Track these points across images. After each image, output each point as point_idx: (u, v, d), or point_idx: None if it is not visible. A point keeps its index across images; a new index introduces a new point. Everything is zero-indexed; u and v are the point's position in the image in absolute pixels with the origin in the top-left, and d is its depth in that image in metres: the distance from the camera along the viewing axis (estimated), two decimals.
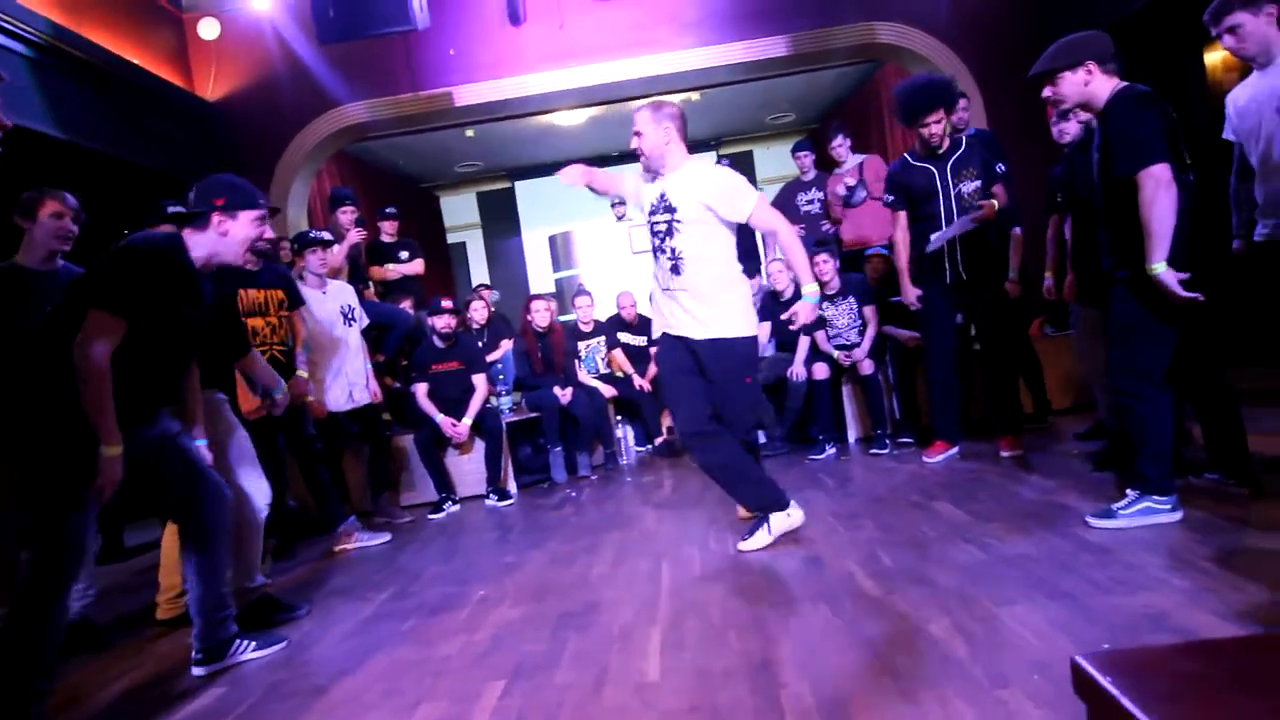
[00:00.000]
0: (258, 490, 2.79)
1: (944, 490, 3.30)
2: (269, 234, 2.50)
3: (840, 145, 5.49)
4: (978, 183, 3.70)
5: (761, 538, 2.83)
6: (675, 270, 2.82)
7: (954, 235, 3.68)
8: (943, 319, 3.81)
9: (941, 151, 3.74)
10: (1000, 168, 3.74)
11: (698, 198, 2.78)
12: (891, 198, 3.91)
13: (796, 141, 6.06)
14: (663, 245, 2.85)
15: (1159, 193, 2.35)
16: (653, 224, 2.87)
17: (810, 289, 2.79)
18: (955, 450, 3.91)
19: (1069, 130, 3.33)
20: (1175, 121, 2.43)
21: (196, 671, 2.39)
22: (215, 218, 2.32)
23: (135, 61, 4.80)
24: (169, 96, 5.18)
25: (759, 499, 2.88)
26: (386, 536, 3.92)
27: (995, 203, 3.68)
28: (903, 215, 3.90)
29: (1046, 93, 2.58)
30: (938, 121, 3.67)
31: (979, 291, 3.74)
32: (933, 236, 3.72)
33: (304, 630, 2.70)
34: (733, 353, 2.82)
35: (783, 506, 2.84)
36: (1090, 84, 2.49)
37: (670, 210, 2.81)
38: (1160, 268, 2.37)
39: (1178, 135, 2.43)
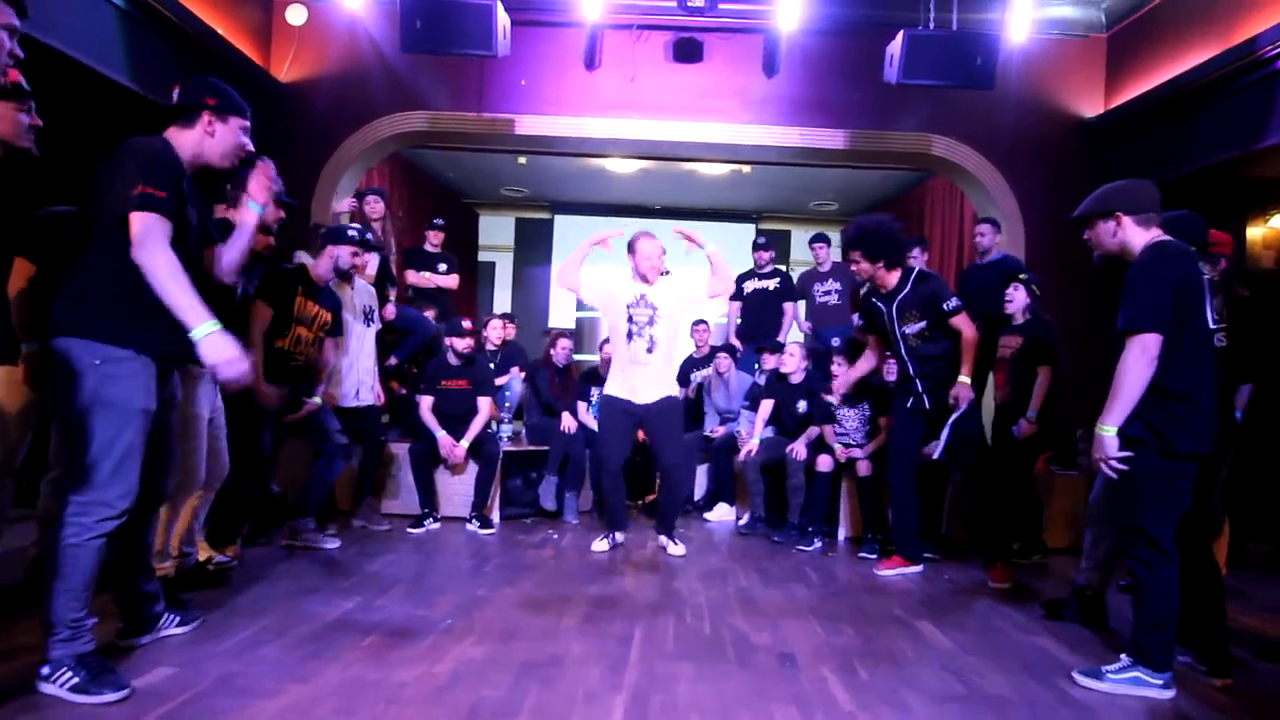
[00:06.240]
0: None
1: (928, 610, 3.24)
2: (249, 146, 2.42)
3: (821, 249, 5.91)
4: (922, 324, 3.69)
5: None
6: (650, 350, 3.89)
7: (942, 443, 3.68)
8: (904, 442, 3.81)
9: (886, 291, 3.78)
10: (949, 304, 3.63)
11: (678, 297, 3.97)
12: (859, 321, 4.08)
13: (814, 234, 6.12)
14: (641, 332, 3.90)
15: (1139, 362, 2.30)
16: (632, 314, 3.89)
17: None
18: (918, 569, 3.83)
19: None
20: (1199, 283, 2.36)
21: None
22: (205, 116, 2.26)
23: (219, 31, 4.92)
24: (243, 69, 5.28)
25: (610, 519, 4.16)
26: (337, 543, 3.85)
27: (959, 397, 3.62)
28: (871, 339, 4.08)
29: (1085, 236, 2.60)
30: (854, 263, 3.79)
31: (942, 422, 3.69)
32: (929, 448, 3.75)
33: (262, 625, 2.64)
34: (675, 406, 4.01)
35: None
36: (1119, 234, 2.46)
37: (652, 308, 3.88)
38: (1109, 431, 2.35)
39: (1200, 297, 2.36)
